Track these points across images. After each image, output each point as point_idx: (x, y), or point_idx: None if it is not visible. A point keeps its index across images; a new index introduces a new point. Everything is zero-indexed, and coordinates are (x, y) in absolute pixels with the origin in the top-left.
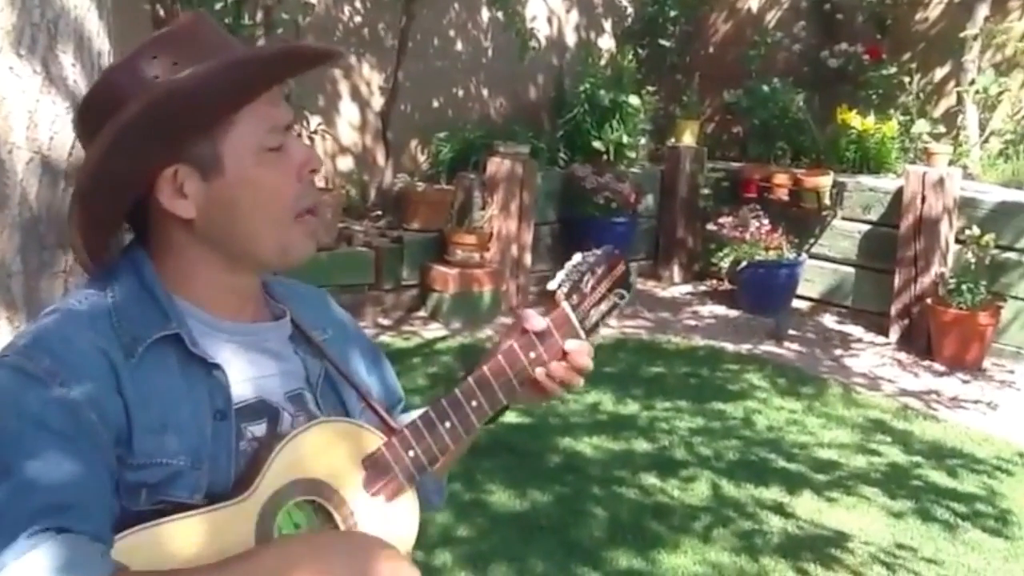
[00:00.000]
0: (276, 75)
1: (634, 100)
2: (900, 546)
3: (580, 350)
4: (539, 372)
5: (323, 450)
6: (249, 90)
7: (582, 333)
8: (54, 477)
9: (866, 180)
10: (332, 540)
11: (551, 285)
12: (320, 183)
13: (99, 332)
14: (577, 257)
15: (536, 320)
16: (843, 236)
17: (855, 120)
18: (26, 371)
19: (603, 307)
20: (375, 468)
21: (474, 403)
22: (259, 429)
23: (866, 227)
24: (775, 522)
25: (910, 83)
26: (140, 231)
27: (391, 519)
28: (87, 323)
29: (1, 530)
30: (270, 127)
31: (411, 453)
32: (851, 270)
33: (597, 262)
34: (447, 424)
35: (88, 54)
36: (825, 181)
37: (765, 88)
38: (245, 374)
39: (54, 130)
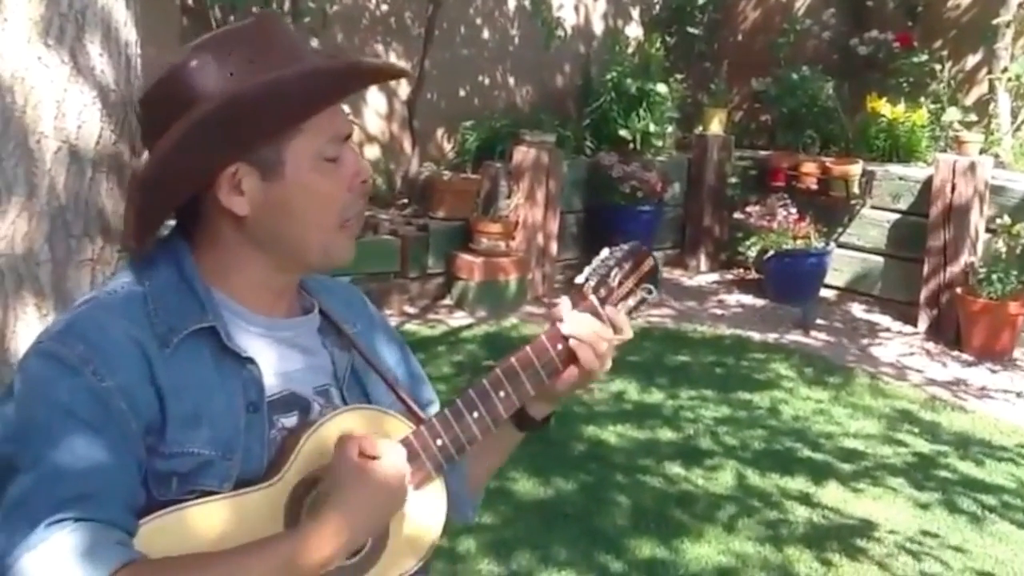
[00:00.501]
0: (347, 88)
1: (661, 88)
2: (926, 535)
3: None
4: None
5: None
6: (321, 101)
7: (609, 326)
8: (80, 467)
9: (895, 169)
10: (340, 506)
11: (579, 279)
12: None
13: (134, 321)
14: (604, 252)
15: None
16: (872, 225)
17: (885, 108)
18: (59, 357)
19: (630, 301)
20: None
21: (502, 393)
22: (290, 421)
23: (895, 216)
24: (800, 512)
25: (941, 71)
26: (184, 222)
27: (419, 507)
28: (122, 312)
29: (24, 519)
30: (331, 136)
31: (439, 442)
32: (879, 259)
33: (624, 257)
34: (475, 414)
35: (115, 44)
36: (854, 170)
37: (794, 76)
38: (276, 368)
39: (82, 119)
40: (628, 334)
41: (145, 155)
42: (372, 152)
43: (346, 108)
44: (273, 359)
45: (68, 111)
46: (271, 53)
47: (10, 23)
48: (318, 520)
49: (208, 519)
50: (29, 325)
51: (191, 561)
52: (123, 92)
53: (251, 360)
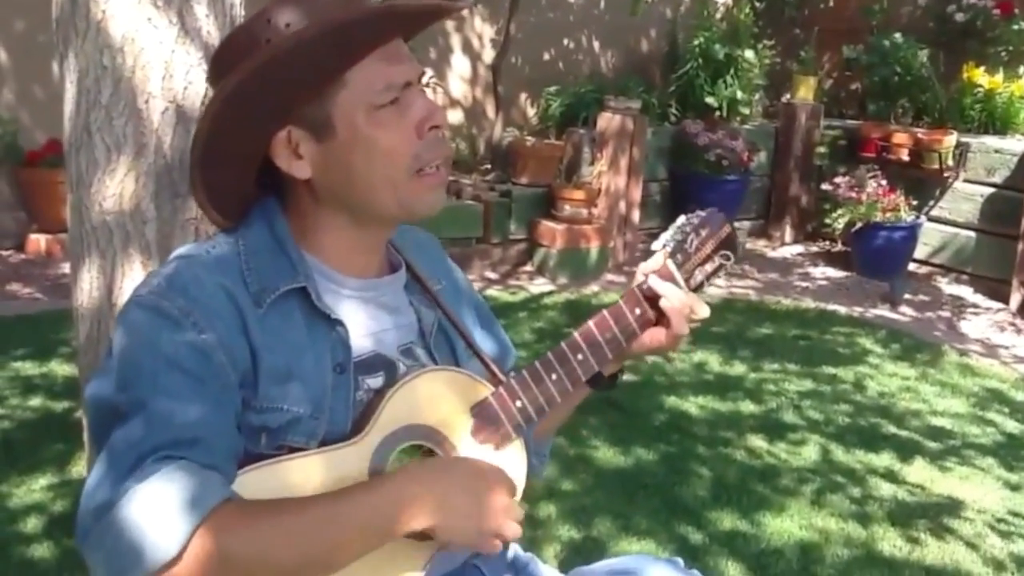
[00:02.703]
0: (380, 36)
1: (749, 55)
2: (1016, 516)
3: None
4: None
5: (433, 397)
6: (350, 52)
7: (686, 291)
8: (185, 414)
9: (991, 141)
10: (441, 466)
11: (655, 245)
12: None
13: (229, 278)
14: (682, 218)
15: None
16: (965, 199)
17: (982, 78)
18: (160, 310)
19: (708, 268)
20: (483, 417)
21: (580, 356)
22: (375, 382)
23: (989, 190)
24: (885, 489)
25: None
26: (279, 187)
27: (500, 465)
28: (217, 268)
29: (131, 458)
30: (384, 85)
31: (518, 403)
32: (972, 234)
33: (702, 223)
34: (553, 376)
35: (221, 5)
36: (948, 141)
37: (887, 43)
38: (364, 329)
39: (188, 80)
40: (703, 313)
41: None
42: (456, 117)
43: (430, 72)
44: (361, 320)
45: (175, 72)
46: (313, 8)
47: None
48: (417, 481)
49: (298, 473)
50: (135, 281)
51: (290, 502)
52: None
53: (340, 322)
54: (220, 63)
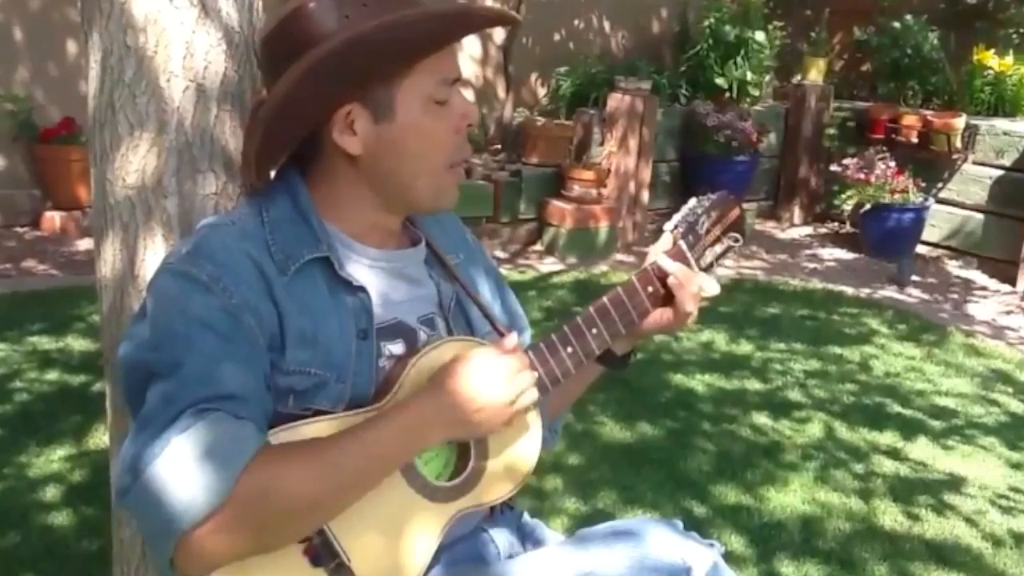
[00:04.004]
0: (457, 32)
1: (760, 36)
2: (1017, 492)
3: (692, 277)
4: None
5: None
6: (432, 44)
7: (697, 271)
8: (220, 371)
9: (1001, 123)
10: (448, 374)
11: (667, 226)
12: None
13: (254, 246)
14: (692, 201)
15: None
16: (973, 181)
17: (992, 60)
18: (190, 276)
19: (717, 249)
20: None
21: (594, 331)
22: (397, 348)
23: (998, 172)
24: (888, 466)
25: None
26: (301, 159)
27: (515, 437)
28: (243, 237)
29: (169, 414)
30: (441, 79)
31: (535, 374)
32: (980, 216)
33: (713, 205)
34: (569, 349)
35: None
36: (957, 123)
37: (897, 25)
38: (385, 298)
39: (208, 59)
40: (713, 290)
41: (264, 93)
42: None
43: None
44: (382, 289)
45: (196, 51)
46: None
47: None
48: (427, 393)
49: (324, 434)
50: (157, 255)
51: (319, 440)
52: (246, 34)
53: (362, 289)
54: (293, 32)
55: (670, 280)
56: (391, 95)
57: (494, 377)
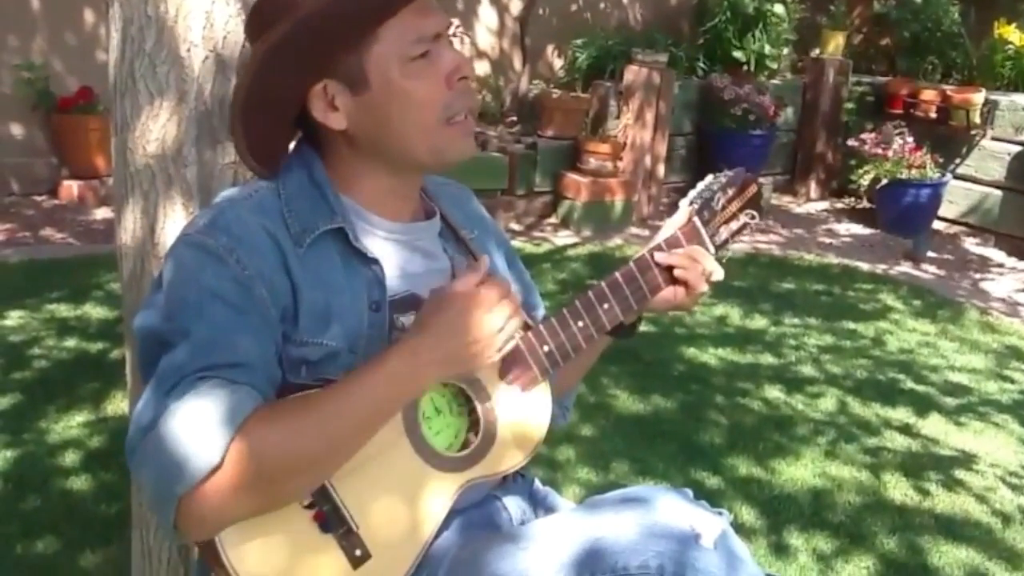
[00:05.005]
0: None
1: (779, 9)
2: None
3: (704, 255)
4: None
5: None
6: (386, 7)
7: (711, 247)
8: (227, 340)
9: (1020, 99)
10: (430, 316)
11: (682, 203)
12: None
13: (270, 219)
14: (709, 177)
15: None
16: (992, 157)
17: (1014, 35)
18: (206, 247)
19: (733, 225)
20: (512, 359)
21: (606, 305)
22: (410, 320)
23: (1017, 148)
24: (900, 441)
25: None
26: (311, 137)
27: (526, 407)
28: (259, 210)
29: (173, 381)
30: (416, 37)
31: (546, 348)
32: (998, 192)
33: (729, 182)
34: (580, 324)
35: None
36: (976, 98)
37: None
38: (399, 270)
39: (227, 30)
40: (717, 275)
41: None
42: (482, 68)
43: (456, 22)
44: (396, 261)
45: (216, 22)
46: None
47: None
48: (411, 334)
49: None
50: (176, 223)
51: (310, 396)
52: None
53: (376, 261)
54: (261, 15)
55: (678, 260)
56: (361, 64)
57: (478, 307)
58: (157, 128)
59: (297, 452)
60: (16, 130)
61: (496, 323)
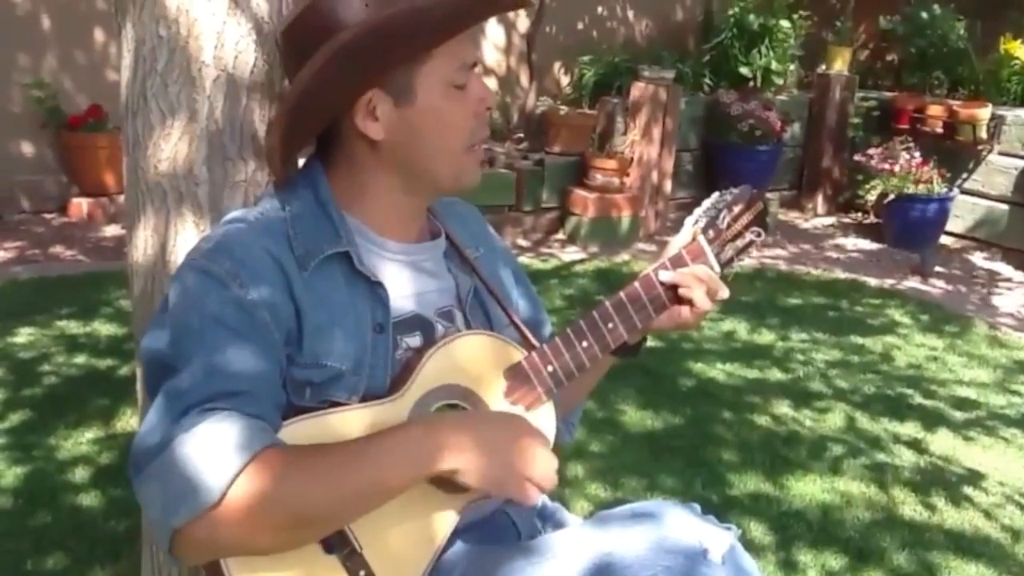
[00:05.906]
0: (476, 16)
1: (785, 24)
2: None
3: (709, 275)
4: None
5: (469, 359)
6: (451, 28)
7: (716, 266)
8: (230, 367)
9: None
10: (480, 414)
11: (688, 221)
12: None
13: (275, 242)
14: (715, 195)
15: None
16: (999, 172)
17: (1020, 50)
18: (209, 272)
19: (739, 243)
20: (516, 379)
21: (610, 325)
22: (414, 341)
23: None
24: (908, 456)
25: None
26: (323, 146)
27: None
28: (265, 233)
29: (179, 408)
30: (460, 64)
31: (550, 368)
32: (1005, 207)
33: (735, 200)
34: (584, 343)
35: None
36: (983, 113)
37: (924, 14)
38: (404, 291)
39: (238, 49)
40: (722, 294)
41: (286, 84)
42: (489, 85)
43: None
44: (401, 282)
45: (227, 42)
46: None
47: None
48: (454, 424)
49: (340, 425)
50: (187, 241)
51: (327, 445)
52: (275, 24)
53: (380, 284)
54: (313, 22)
55: (682, 280)
56: (411, 80)
57: (537, 445)
58: (168, 147)
59: (304, 499)
60: (26, 148)
61: (531, 469)
